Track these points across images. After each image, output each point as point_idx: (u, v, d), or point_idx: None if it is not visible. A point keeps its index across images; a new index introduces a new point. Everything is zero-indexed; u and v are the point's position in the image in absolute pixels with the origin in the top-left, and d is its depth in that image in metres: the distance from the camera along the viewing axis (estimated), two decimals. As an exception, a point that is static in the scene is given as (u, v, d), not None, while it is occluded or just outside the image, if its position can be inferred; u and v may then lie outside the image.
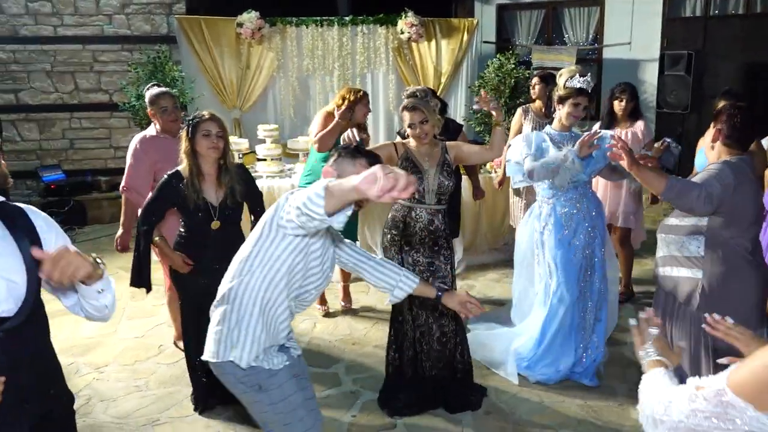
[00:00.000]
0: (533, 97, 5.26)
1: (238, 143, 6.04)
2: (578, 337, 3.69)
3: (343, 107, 4.25)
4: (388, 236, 3.43)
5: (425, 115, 3.26)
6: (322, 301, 4.80)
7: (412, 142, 3.38)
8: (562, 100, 3.63)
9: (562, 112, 3.63)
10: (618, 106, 4.76)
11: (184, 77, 6.72)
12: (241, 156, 6.02)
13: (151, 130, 3.97)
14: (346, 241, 2.46)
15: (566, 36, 8.76)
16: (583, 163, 3.50)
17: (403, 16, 7.12)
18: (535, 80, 5.28)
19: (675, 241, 2.87)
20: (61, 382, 1.85)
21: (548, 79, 5.22)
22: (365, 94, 4.45)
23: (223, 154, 3.14)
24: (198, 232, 3.20)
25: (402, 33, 7.16)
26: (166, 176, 3.16)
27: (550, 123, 3.82)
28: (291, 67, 7.29)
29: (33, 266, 1.56)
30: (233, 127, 7.27)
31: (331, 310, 4.80)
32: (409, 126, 3.29)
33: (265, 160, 5.96)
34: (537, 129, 4.72)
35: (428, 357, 3.43)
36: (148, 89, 4.06)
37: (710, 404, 1.29)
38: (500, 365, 3.86)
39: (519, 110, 5.31)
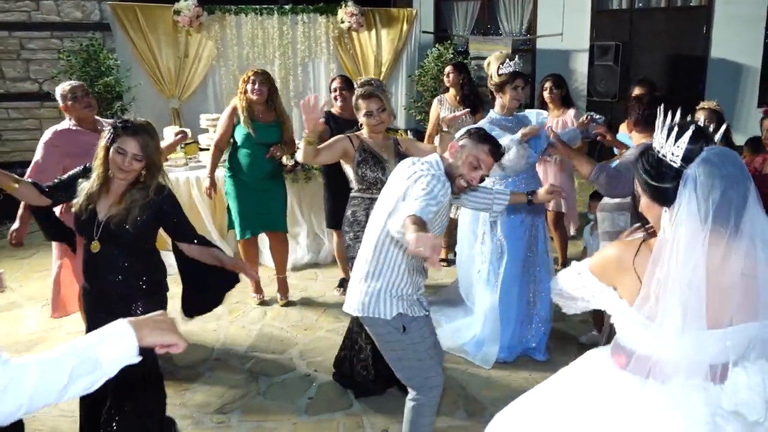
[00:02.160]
0: (447, 85, 5.46)
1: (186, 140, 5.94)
2: (525, 309, 3.89)
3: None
4: (350, 234, 3.40)
5: (382, 103, 3.33)
6: (258, 289, 4.82)
7: (365, 134, 3.43)
8: (500, 88, 3.73)
9: (504, 99, 3.75)
10: (546, 95, 5.06)
11: (119, 65, 6.55)
12: (182, 146, 5.93)
13: (65, 123, 3.84)
14: None
15: (501, 27, 9.02)
16: (529, 147, 3.65)
17: (343, 5, 7.16)
18: (448, 69, 5.49)
19: (608, 218, 3.14)
20: None
21: (461, 68, 5.46)
22: (257, 73, 4.45)
23: (137, 178, 2.65)
24: (84, 248, 2.71)
25: (342, 22, 7.20)
26: (85, 165, 2.77)
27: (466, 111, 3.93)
28: (231, 56, 7.21)
29: None
30: (172, 117, 7.14)
31: (266, 298, 4.81)
32: (366, 114, 3.33)
33: (207, 149, 5.89)
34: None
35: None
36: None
37: (578, 280, 1.88)
38: (468, 354, 3.96)
39: (435, 101, 5.53)
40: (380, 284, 2.51)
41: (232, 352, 4.04)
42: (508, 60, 3.68)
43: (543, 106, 5.10)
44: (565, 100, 5.12)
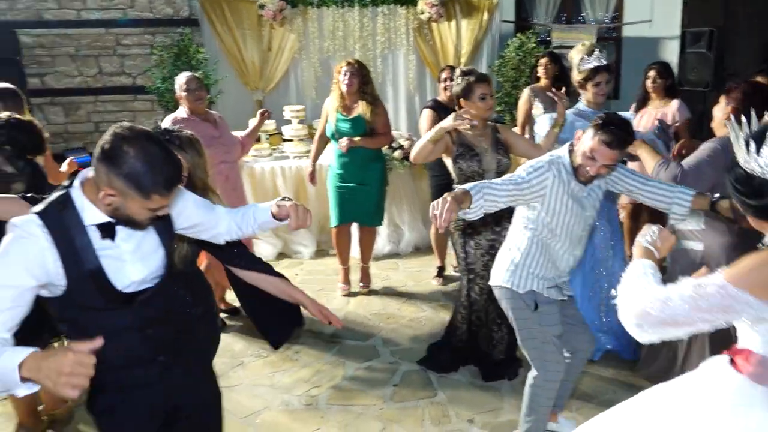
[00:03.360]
0: (542, 77, 5.29)
1: (264, 124, 6.10)
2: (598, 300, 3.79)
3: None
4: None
5: (492, 88, 3.36)
6: (346, 280, 4.88)
7: (462, 126, 3.37)
8: (583, 84, 3.66)
9: (587, 95, 3.67)
10: (649, 84, 4.78)
11: (207, 59, 6.79)
12: (267, 137, 6.09)
13: (181, 111, 4.06)
14: (624, 169, 2.71)
15: (585, 14, 8.75)
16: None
17: (424, -4, 7.14)
18: (544, 60, 5.33)
19: (694, 216, 2.99)
20: None
21: (556, 58, 5.31)
22: (349, 64, 4.49)
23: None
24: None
25: (422, 13, 7.17)
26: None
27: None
28: (312, 49, 7.33)
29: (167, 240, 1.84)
30: (256, 109, 7.34)
31: (352, 290, 4.88)
32: (481, 97, 3.32)
33: (291, 140, 6.04)
34: (552, 109, 4.75)
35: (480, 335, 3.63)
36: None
37: (714, 298, 1.51)
38: None
39: (526, 92, 5.37)
40: (519, 259, 2.68)
41: (318, 337, 4.12)
42: (586, 56, 3.61)
43: (645, 96, 4.84)
44: (670, 91, 4.82)
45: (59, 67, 7.69)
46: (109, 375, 1.73)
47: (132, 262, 1.73)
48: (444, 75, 4.80)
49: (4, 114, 2.86)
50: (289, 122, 6.16)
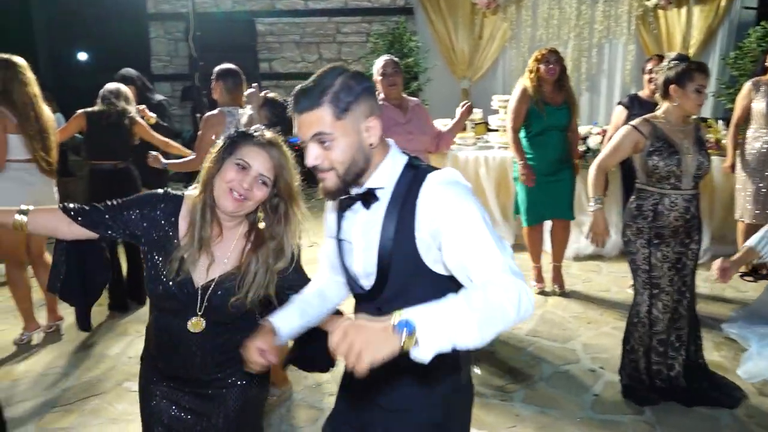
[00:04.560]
0: None
1: (472, 113, 6.08)
2: None
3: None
4: (633, 227, 3.11)
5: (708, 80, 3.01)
6: (539, 278, 4.70)
7: (661, 115, 3.07)
8: None
9: None
10: None
11: (419, 47, 6.94)
12: (473, 126, 6.07)
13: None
14: None
15: None
16: None
17: (654, -20, 6.60)
18: None
19: None
20: None
21: None
22: (550, 51, 4.33)
23: (260, 212, 1.76)
24: (162, 318, 1.83)
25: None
26: (161, 191, 1.83)
27: None
28: (524, 38, 7.17)
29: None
30: (462, 97, 7.36)
31: (546, 289, 4.68)
32: (698, 90, 2.97)
33: (497, 130, 5.95)
34: None
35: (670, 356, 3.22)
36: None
37: None
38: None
39: (747, 85, 4.69)
40: None
41: (513, 332, 4.03)
42: None
43: None
44: None
45: (285, 53, 8.38)
46: None
47: None
48: (650, 65, 4.33)
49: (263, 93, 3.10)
50: (496, 112, 6.08)
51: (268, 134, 1.74)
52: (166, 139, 4.57)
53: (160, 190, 1.82)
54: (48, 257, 4.16)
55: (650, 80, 4.22)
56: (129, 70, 5.00)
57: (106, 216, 1.76)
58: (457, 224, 1.39)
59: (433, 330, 1.15)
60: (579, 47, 7.06)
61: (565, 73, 4.40)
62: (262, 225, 1.76)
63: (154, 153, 3.86)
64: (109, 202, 1.78)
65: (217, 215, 1.74)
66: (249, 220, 1.78)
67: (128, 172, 4.44)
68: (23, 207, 1.74)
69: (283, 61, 8.37)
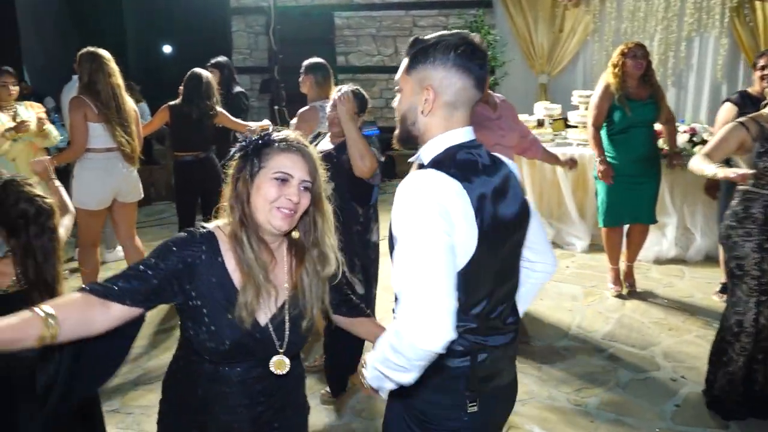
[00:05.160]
0: None
1: (550, 108, 5.94)
2: None
3: None
4: (740, 230, 2.92)
5: None
6: (617, 281, 4.52)
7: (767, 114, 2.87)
8: None
9: None
10: None
11: (497, 41, 6.82)
12: (551, 122, 5.92)
13: None
14: None
15: None
16: None
17: (753, -31, 6.22)
18: None
19: None
20: None
21: None
22: (637, 45, 4.18)
23: (308, 228, 1.59)
24: (223, 376, 1.57)
25: (747, -10, 6.27)
26: (189, 231, 1.55)
27: None
28: (607, 31, 6.92)
29: None
30: (539, 93, 7.19)
31: (624, 292, 4.50)
32: None
33: (576, 127, 5.77)
34: None
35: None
36: None
37: None
38: None
39: None
40: None
41: (589, 335, 3.91)
42: None
43: None
44: None
45: (361, 47, 8.43)
46: None
47: None
48: (762, 62, 4.06)
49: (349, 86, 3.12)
50: (575, 108, 5.90)
51: (292, 134, 1.55)
52: (246, 123, 4.74)
53: (188, 231, 1.54)
54: (138, 241, 4.35)
55: (762, 77, 3.92)
56: (222, 58, 5.24)
57: (154, 279, 1.43)
58: (396, 236, 1.40)
59: (376, 381, 1.45)
60: (666, 41, 6.74)
61: (651, 67, 4.23)
62: (296, 234, 1.58)
63: None
64: (140, 265, 1.45)
65: (264, 240, 1.53)
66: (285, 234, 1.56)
67: (210, 162, 4.59)
68: (45, 309, 1.32)
69: (359, 54, 8.43)
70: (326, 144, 3.18)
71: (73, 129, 3.90)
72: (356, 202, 3.06)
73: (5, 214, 2.14)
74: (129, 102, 4.03)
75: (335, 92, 3.17)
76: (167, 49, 10.39)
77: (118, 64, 3.95)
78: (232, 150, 1.54)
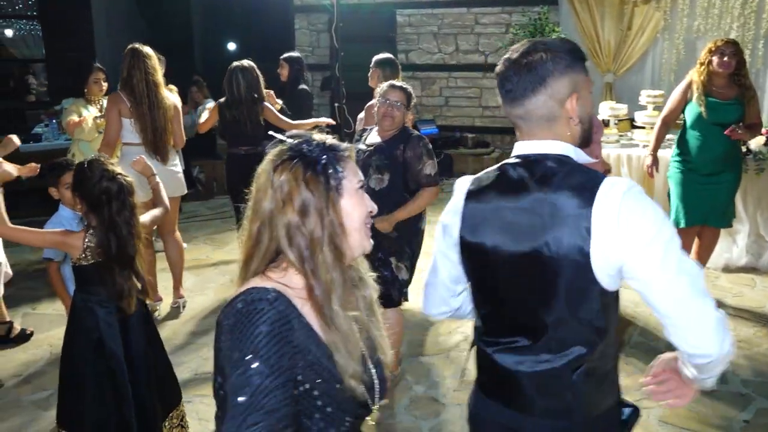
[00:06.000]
0: None
1: (616, 108, 5.76)
2: None
3: None
4: None
5: None
6: None
7: None
8: None
9: None
10: None
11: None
12: (616, 122, 5.75)
13: None
14: None
15: None
16: None
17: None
18: None
19: None
20: None
21: None
22: (727, 43, 3.98)
23: None
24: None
25: (832, -15, 5.92)
26: (266, 301, 1.11)
27: None
28: (678, 28, 6.65)
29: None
30: (605, 92, 6.99)
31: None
32: None
33: (643, 127, 5.58)
34: None
35: None
36: None
37: None
38: None
39: None
40: None
41: (652, 343, 3.77)
42: None
43: None
44: None
45: (422, 44, 8.40)
46: None
47: None
48: None
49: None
50: (643, 108, 5.70)
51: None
52: (291, 121, 4.66)
53: (255, 305, 1.08)
54: (178, 235, 4.46)
55: None
56: (294, 53, 5.36)
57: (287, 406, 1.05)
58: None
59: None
60: (743, 39, 6.41)
61: (742, 66, 4.01)
62: None
63: None
64: (264, 397, 1.02)
65: (351, 277, 1.22)
66: None
67: (260, 157, 4.59)
68: None
69: (420, 52, 8.40)
70: (375, 137, 3.22)
71: (106, 123, 4.09)
72: (409, 192, 3.09)
73: (89, 190, 2.31)
74: (167, 99, 4.11)
75: (382, 86, 3.19)
76: (231, 46, 10.62)
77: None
78: (267, 170, 1.16)
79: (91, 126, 4.63)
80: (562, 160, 1.37)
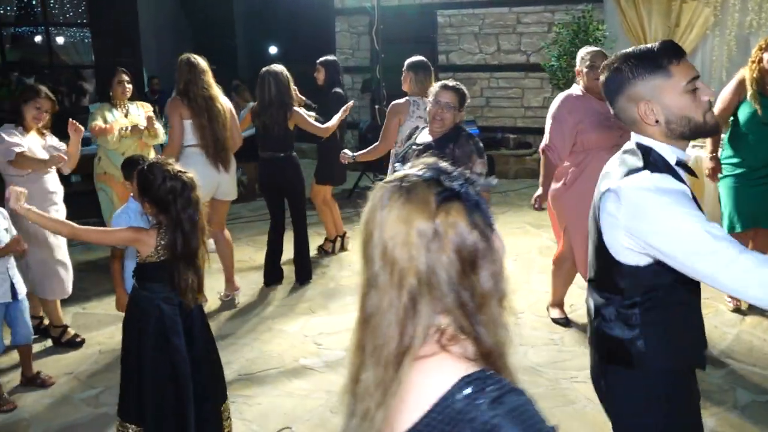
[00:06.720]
0: None
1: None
2: None
3: None
4: None
5: None
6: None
7: None
8: None
9: None
10: None
11: (606, 37, 6.53)
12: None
13: (576, 89, 3.85)
14: None
15: None
16: None
17: None
18: None
19: None
20: None
21: None
22: None
23: None
24: None
25: None
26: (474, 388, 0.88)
27: None
28: (730, 24, 6.44)
29: None
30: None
31: (742, 307, 4.15)
32: None
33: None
34: None
35: None
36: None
37: None
38: None
39: None
40: None
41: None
42: None
43: None
44: None
45: (463, 45, 8.34)
46: None
47: None
48: None
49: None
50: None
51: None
52: (320, 125, 4.63)
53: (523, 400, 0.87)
54: (228, 233, 4.54)
55: None
56: (330, 57, 5.40)
57: None
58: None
59: None
60: (798, 34, 6.19)
61: None
62: None
63: (342, 151, 4.13)
64: None
65: None
66: None
67: (289, 161, 4.62)
68: None
69: (460, 52, 8.34)
70: (425, 137, 3.27)
71: (171, 128, 4.20)
72: None
73: (155, 192, 2.37)
74: (223, 108, 4.20)
75: (434, 87, 3.22)
76: (273, 50, 10.75)
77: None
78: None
79: (116, 138, 4.58)
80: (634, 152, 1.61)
